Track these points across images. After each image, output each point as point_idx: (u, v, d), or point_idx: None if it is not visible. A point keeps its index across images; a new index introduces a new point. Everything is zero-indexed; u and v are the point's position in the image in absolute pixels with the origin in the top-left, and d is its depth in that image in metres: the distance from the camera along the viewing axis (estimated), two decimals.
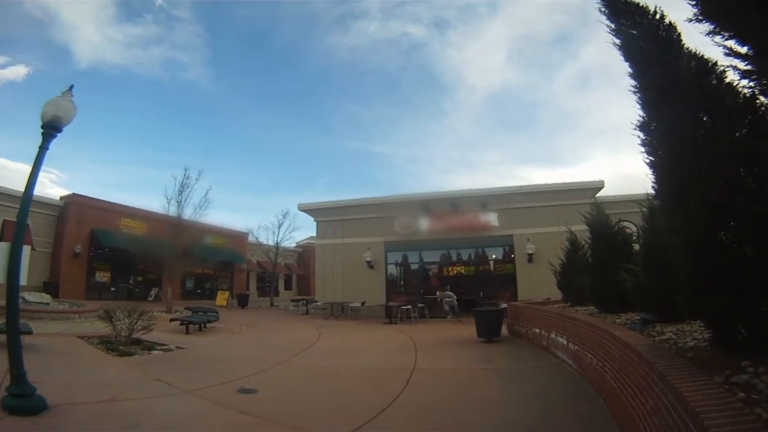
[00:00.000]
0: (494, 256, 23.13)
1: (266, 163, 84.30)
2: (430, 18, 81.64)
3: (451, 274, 23.54)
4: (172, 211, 23.12)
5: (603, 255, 8.97)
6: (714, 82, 3.80)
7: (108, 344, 9.78)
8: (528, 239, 20.94)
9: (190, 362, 8.98)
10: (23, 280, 6.04)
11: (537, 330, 10.67)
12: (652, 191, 4.77)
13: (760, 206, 3.27)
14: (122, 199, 31.47)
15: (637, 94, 4.52)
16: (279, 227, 34.78)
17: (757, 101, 3.59)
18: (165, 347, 10.29)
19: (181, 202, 23.19)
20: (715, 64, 3.83)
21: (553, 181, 23.13)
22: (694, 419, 2.52)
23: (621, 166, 71.67)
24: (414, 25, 78.77)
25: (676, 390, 2.92)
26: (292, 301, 28.61)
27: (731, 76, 3.76)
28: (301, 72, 76.78)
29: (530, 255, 20.74)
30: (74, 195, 27.08)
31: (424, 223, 23.19)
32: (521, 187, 22.57)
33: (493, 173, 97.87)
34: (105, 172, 73.63)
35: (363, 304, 21.58)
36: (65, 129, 5.93)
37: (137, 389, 6.65)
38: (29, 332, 8.61)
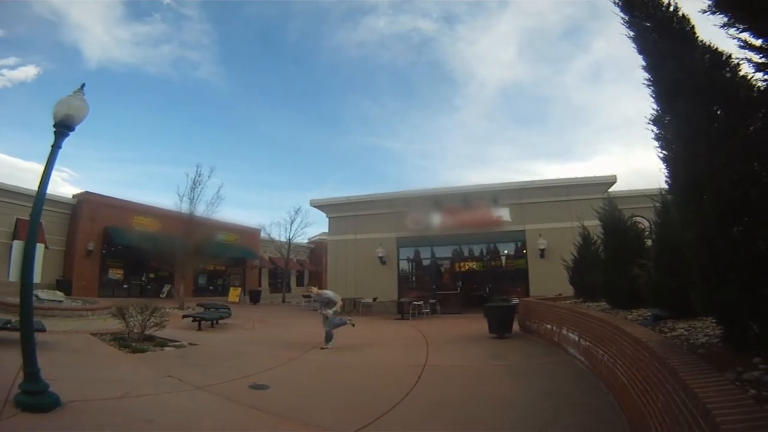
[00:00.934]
0: (506, 252, 23.05)
1: (278, 159, 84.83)
2: (439, 12, 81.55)
3: (463, 269, 23.49)
4: (185, 208, 23.34)
5: (615, 250, 8.88)
6: (728, 75, 3.74)
7: (121, 341, 9.89)
8: (540, 234, 20.80)
9: (202, 359, 9.05)
10: (37, 278, 6.12)
11: (548, 326, 10.62)
12: (665, 186, 4.73)
13: None
14: (134, 197, 31.62)
15: (651, 88, 4.46)
16: (291, 223, 34.81)
17: None
18: (177, 344, 10.37)
19: (193, 199, 23.38)
20: (729, 56, 3.77)
21: (566, 176, 23.01)
22: (705, 416, 2.49)
23: (633, 161, 71.31)
24: (423, 20, 78.70)
25: (687, 386, 2.89)
26: (304, 297, 28.69)
27: (745, 69, 3.71)
28: (310, 68, 77.09)
29: (542, 250, 20.64)
30: (87, 193, 27.36)
31: (436, 219, 23.09)
32: (533, 182, 22.48)
33: (505, 168, 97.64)
34: (117, 170, 74.54)
35: (375, 299, 21.64)
36: (77, 128, 5.96)
37: (150, 386, 6.70)
38: (43, 330, 8.71)
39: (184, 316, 14.09)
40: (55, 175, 5.68)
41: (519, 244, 22.41)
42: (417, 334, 13.35)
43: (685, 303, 5.01)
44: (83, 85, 6.10)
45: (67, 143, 5.92)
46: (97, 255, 26.55)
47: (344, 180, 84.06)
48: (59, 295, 17.43)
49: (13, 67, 58.19)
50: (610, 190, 19.21)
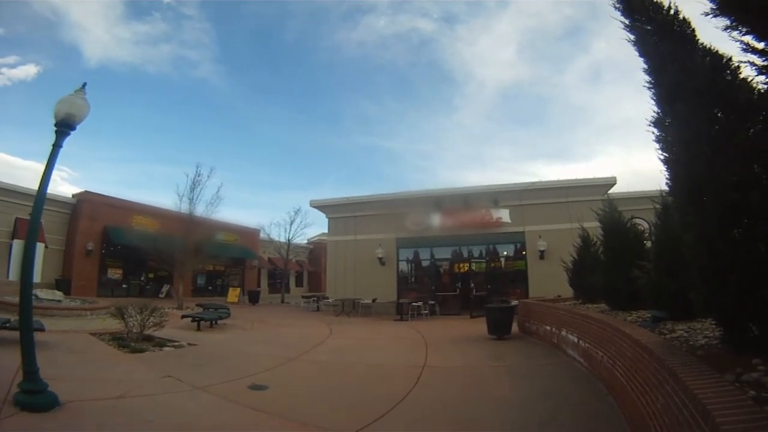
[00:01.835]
0: (505, 253, 23.02)
1: (277, 159, 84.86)
2: (439, 12, 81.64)
3: (462, 270, 23.47)
4: (184, 208, 23.36)
5: (615, 252, 8.91)
6: (729, 78, 3.76)
7: (120, 341, 9.89)
8: (540, 236, 20.79)
9: (201, 359, 9.05)
10: (36, 277, 6.11)
11: (548, 327, 10.62)
12: (665, 187, 4.75)
13: None
14: (134, 197, 31.60)
15: (652, 90, 4.49)
16: (291, 224, 34.77)
17: None
18: (176, 344, 10.37)
19: (192, 199, 23.41)
20: (730, 59, 3.79)
21: (565, 178, 23.02)
22: (705, 417, 2.50)
23: (633, 163, 71.30)
24: (423, 20, 78.81)
25: (687, 387, 2.90)
26: (303, 297, 28.66)
27: (746, 72, 3.73)
28: (310, 68, 77.23)
29: (542, 252, 20.62)
30: (87, 192, 27.34)
31: (435, 220, 23.05)
32: (533, 183, 22.47)
33: (504, 169, 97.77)
34: (116, 170, 74.56)
35: (374, 300, 21.60)
36: (78, 127, 5.96)
37: (149, 386, 6.70)
38: (42, 329, 8.72)
39: (183, 317, 14.08)
40: (54, 174, 5.66)
41: (518, 245, 22.37)
42: (416, 335, 13.34)
43: (685, 304, 5.04)
44: (85, 84, 6.10)
45: (67, 142, 5.91)
46: (97, 254, 26.51)
47: (343, 180, 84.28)
48: (58, 294, 17.41)
49: (13, 66, 58.27)
50: (609, 191, 19.21)
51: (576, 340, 8.34)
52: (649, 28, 4.50)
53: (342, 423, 5.49)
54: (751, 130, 3.54)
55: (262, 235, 37.36)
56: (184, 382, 7.02)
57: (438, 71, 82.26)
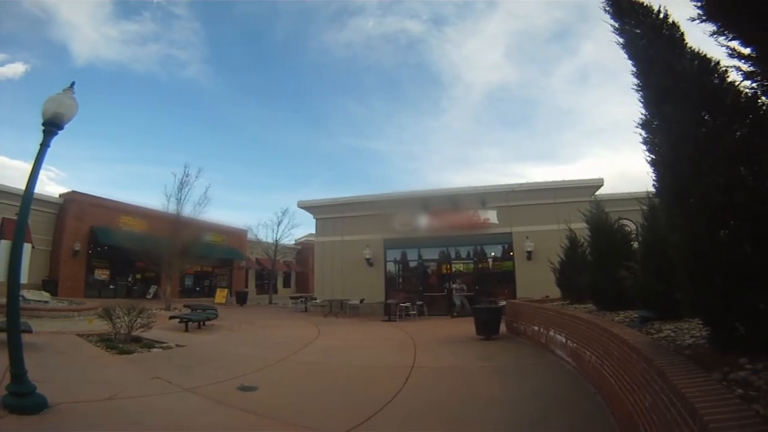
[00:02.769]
0: (493, 254, 23.06)
1: (265, 160, 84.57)
2: (428, 14, 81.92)
3: (450, 271, 23.50)
4: (172, 208, 23.22)
5: (602, 253, 8.98)
6: (716, 81, 3.80)
7: (107, 342, 9.81)
8: (527, 237, 20.89)
9: (189, 360, 9.00)
10: (23, 278, 6.04)
11: (536, 327, 10.68)
12: (652, 189, 4.80)
13: (760, 205, 3.29)
14: (121, 197, 31.29)
15: (640, 92, 4.53)
16: (278, 224, 34.76)
17: (759, 101, 3.60)
18: (164, 345, 10.31)
19: (180, 199, 23.28)
20: (718, 63, 3.84)
21: (553, 179, 23.16)
22: (693, 415, 2.54)
23: (620, 164, 71.86)
24: (411, 21, 79.04)
25: (674, 386, 2.94)
26: (291, 298, 28.64)
27: (733, 76, 3.78)
28: (297, 69, 77.06)
29: (529, 253, 20.69)
30: (74, 192, 27.08)
31: (423, 221, 23.03)
32: (521, 184, 22.55)
33: (492, 170, 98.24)
34: (104, 170, 73.97)
35: (362, 301, 21.62)
36: (66, 126, 5.91)
37: (137, 387, 6.66)
38: (29, 331, 8.59)
39: (171, 317, 14.01)
40: (41, 174, 5.61)
41: (506, 246, 22.44)
42: (404, 336, 13.36)
43: (672, 305, 5.09)
44: (73, 83, 6.04)
45: (55, 142, 5.83)
46: (84, 255, 26.28)
47: (330, 181, 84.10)
48: (45, 295, 17.26)
49: (0, 64, 57.57)
50: (596, 193, 19.31)
51: (564, 340, 8.40)
52: (638, 31, 4.55)
53: (332, 423, 5.49)
54: (738, 132, 3.58)
55: (249, 235, 37.28)
56: (173, 383, 6.98)
57: (426, 73, 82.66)
